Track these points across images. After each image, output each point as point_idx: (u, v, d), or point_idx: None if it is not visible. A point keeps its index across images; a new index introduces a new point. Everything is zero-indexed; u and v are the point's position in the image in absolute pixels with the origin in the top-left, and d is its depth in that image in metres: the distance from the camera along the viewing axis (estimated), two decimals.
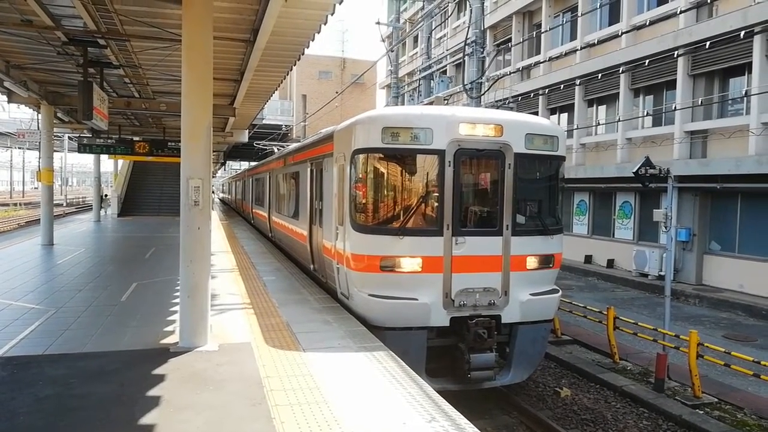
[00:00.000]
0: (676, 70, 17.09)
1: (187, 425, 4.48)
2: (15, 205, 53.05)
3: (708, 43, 15.56)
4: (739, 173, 14.83)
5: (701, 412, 7.89)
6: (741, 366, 7.87)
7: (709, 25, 15.88)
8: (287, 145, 24.27)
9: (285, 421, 4.54)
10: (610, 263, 20.04)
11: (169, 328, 7.35)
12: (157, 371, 5.70)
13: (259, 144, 36.39)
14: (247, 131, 26.81)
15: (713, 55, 16.00)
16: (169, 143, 21.04)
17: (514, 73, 23.86)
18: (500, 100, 23.20)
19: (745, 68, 15.56)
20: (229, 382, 5.43)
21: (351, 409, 4.79)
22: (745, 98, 15.50)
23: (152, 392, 5.14)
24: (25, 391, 5.12)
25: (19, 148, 62.26)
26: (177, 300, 7.94)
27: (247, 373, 5.68)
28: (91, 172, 35.97)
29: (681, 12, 16.16)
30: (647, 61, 17.61)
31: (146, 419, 4.57)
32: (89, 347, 6.54)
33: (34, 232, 19.44)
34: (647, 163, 9.40)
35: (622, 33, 17.96)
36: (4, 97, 15.92)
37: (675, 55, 16.70)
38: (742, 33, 14.46)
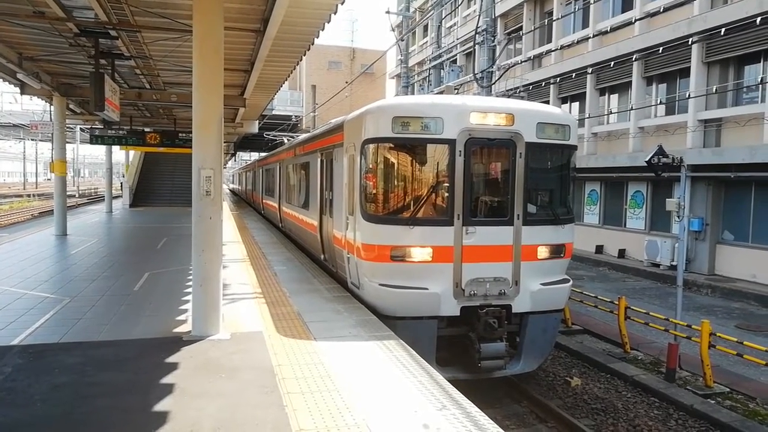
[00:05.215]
0: (690, 58, 16.86)
1: (200, 412, 4.53)
2: (28, 196, 53.70)
3: (723, 29, 15.34)
4: (753, 162, 14.64)
5: (713, 401, 7.87)
6: (753, 356, 7.82)
7: (724, 12, 15.64)
8: (297, 136, 24.28)
9: (297, 409, 4.59)
10: (622, 253, 19.94)
11: (182, 317, 7.42)
12: (171, 359, 5.76)
13: (269, 135, 36.43)
14: (257, 122, 26.87)
15: (728, 42, 15.74)
16: (180, 134, 21.12)
17: (525, 61, 23.70)
18: (511, 89, 23.05)
19: (761, 55, 15.33)
20: (241, 370, 5.48)
21: (362, 397, 4.83)
22: (760, 86, 15.27)
23: (166, 380, 5.20)
24: (42, 379, 5.20)
25: (32, 139, 62.88)
26: (189, 289, 8.02)
27: (259, 361, 5.73)
28: (102, 163, 36.26)
29: None
30: (661, 48, 17.41)
31: (160, 406, 4.63)
32: (103, 336, 6.63)
33: (48, 223, 19.65)
34: (660, 152, 9.30)
35: (636, 20, 17.77)
36: (17, 89, 16.06)
37: (689, 43, 16.47)
38: (759, 19, 14.22)
